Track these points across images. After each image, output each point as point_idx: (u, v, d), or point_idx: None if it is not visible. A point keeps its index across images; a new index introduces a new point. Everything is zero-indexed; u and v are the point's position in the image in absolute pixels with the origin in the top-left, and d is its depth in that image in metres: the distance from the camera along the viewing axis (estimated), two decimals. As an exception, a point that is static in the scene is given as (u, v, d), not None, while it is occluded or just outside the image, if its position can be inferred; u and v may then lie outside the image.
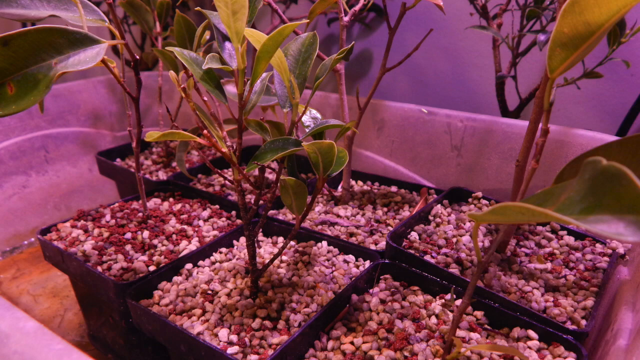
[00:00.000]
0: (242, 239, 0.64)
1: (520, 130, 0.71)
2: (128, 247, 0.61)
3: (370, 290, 0.54)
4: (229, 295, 0.53)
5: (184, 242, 0.63)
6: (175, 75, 0.44)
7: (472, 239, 0.59)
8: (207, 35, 0.74)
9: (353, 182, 0.81)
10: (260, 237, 0.66)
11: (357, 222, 0.68)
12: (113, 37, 0.99)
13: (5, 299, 0.38)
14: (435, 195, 0.75)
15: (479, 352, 0.45)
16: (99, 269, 0.57)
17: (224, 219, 0.70)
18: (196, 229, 0.67)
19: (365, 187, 0.79)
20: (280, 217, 0.69)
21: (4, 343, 0.34)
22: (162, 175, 0.88)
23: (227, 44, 0.43)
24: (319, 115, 0.50)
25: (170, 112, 0.96)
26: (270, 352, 0.45)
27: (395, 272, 0.56)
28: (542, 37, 0.64)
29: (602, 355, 0.45)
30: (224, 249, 0.62)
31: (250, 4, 0.43)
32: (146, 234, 0.64)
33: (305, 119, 0.49)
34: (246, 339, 0.46)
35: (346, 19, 0.65)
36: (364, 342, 0.46)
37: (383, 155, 0.85)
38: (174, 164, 0.93)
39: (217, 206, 0.73)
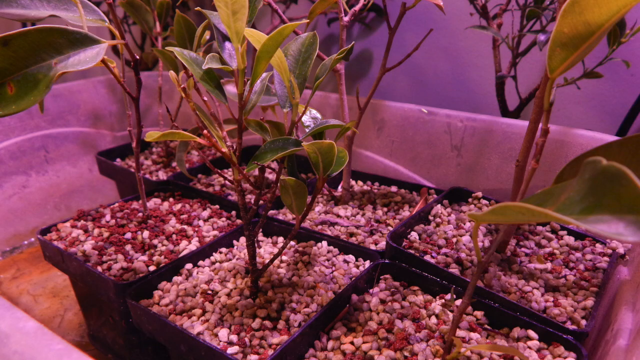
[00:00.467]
0: (242, 239, 0.64)
1: (520, 130, 0.71)
2: (128, 247, 0.61)
3: (370, 290, 0.54)
4: (229, 295, 0.53)
5: (184, 242, 0.63)
6: (175, 75, 0.44)
7: (472, 239, 0.59)
8: (207, 35, 0.74)
9: (353, 182, 0.81)
10: (260, 237, 0.66)
11: (357, 222, 0.68)
12: (113, 37, 0.99)
13: (5, 299, 0.38)
14: (435, 195, 0.75)
15: (479, 352, 0.45)
16: (99, 269, 0.57)
17: (224, 219, 0.70)
18: (196, 229, 0.67)
19: (365, 187, 0.79)
20: (280, 217, 0.69)
21: (4, 343, 0.34)
22: (162, 175, 0.88)
23: (227, 44, 0.43)
24: (319, 115, 0.50)
25: (170, 112, 0.96)
26: (270, 352, 0.45)
27: (395, 272, 0.56)
28: (542, 37, 0.64)
29: (602, 355, 0.45)
30: (224, 249, 0.62)
31: (250, 4, 0.43)
32: (146, 234, 0.64)
33: (305, 119, 0.49)
34: (246, 339, 0.46)
35: (346, 19, 0.65)
36: (364, 342, 0.46)
37: (383, 155, 0.85)
38: (174, 164, 0.93)
39: (217, 206, 0.73)
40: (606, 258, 0.58)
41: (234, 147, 0.45)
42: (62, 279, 0.82)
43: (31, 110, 0.97)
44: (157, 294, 0.53)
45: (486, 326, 0.48)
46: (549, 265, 0.56)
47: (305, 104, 0.45)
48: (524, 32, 0.72)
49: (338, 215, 0.70)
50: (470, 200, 0.71)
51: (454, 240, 0.61)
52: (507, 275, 0.55)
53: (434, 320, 0.49)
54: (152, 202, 0.74)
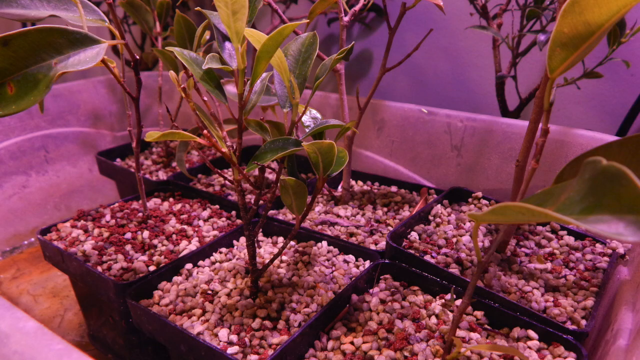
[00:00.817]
0: (242, 239, 0.64)
1: (520, 130, 0.71)
2: (128, 247, 0.61)
3: (370, 290, 0.54)
4: (229, 295, 0.53)
5: (184, 242, 0.63)
6: (175, 75, 0.44)
7: (472, 239, 0.59)
8: (207, 35, 0.74)
9: (353, 182, 0.81)
10: (260, 237, 0.66)
11: (357, 222, 0.68)
12: (113, 37, 0.99)
13: (5, 299, 0.38)
14: (435, 195, 0.75)
15: (479, 352, 0.45)
16: (99, 269, 0.57)
17: (224, 219, 0.70)
18: (196, 229, 0.67)
19: (365, 187, 0.79)
20: (280, 217, 0.69)
21: (4, 343, 0.34)
22: (162, 175, 0.88)
23: (227, 44, 0.43)
24: (319, 115, 0.50)
25: (170, 112, 0.96)
26: (270, 352, 0.45)
27: (395, 272, 0.56)
28: (542, 37, 0.64)
29: (602, 355, 0.45)
30: (224, 249, 0.62)
31: (250, 4, 0.43)
32: (146, 234, 0.64)
33: (305, 119, 0.49)
34: (246, 339, 0.46)
35: (346, 19, 0.65)
36: (364, 342, 0.46)
37: (383, 155, 0.85)
38: (174, 164, 0.93)
39: (217, 206, 0.73)
40: (606, 258, 0.58)
41: (234, 147, 0.45)
42: (62, 279, 0.82)
43: (31, 110, 0.97)
44: (157, 294, 0.53)
45: (486, 326, 0.48)
46: (549, 265, 0.56)
47: (305, 104, 0.45)
48: (524, 32, 0.72)
49: (338, 215, 0.70)
50: (470, 200, 0.71)
51: (454, 240, 0.61)
52: (507, 275, 0.55)
53: (434, 320, 0.49)
54: (152, 202, 0.74)
